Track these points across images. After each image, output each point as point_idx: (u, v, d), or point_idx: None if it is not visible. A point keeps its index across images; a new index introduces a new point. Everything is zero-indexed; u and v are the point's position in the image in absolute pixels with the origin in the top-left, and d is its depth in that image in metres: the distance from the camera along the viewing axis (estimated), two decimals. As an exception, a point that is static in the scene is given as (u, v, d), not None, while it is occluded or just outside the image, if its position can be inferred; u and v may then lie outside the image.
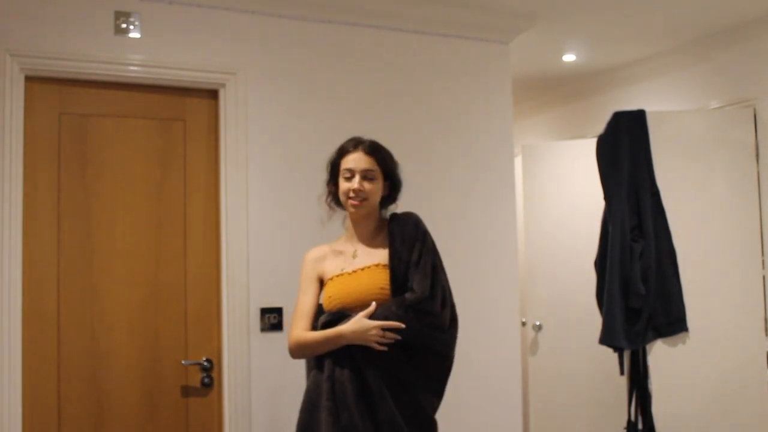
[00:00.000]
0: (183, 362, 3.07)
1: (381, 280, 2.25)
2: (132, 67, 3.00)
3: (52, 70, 2.89)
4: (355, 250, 2.35)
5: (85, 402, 2.91)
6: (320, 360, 2.22)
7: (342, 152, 2.35)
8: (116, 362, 2.97)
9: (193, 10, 3.10)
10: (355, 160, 2.30)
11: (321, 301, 2.35)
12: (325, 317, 2.25)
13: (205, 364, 3.08)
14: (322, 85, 3.33)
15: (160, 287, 3.06)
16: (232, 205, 3.11)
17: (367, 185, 2.29)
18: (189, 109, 3.15)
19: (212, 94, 3.17)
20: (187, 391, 3.07)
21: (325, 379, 2.15)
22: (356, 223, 2.37)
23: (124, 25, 2.99)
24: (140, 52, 3.01)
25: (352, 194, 2.29)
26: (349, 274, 2.29)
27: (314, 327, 2.28)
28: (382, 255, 2.31)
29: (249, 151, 3.15)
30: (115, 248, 2.99)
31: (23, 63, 2.82)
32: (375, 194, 2.32)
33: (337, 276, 2.31)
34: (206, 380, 3.07)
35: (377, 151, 2.34)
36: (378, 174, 2.32)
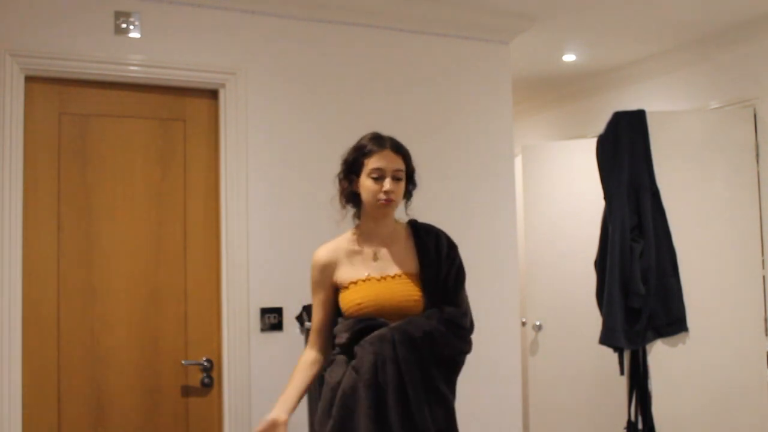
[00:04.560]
0: (183, 362, 3.07)
1: (414, 291, 2.22)
2: (132, 67, 3.00)
3: (52, 70, 2.89)
4: (375, 252, 2.28)
5: (85, 402, 2.91)
6: (356, 358, 2.15)
7: (366, 151, 2.23)
8: (116, 362, 2.97)
9: (193, 10, 3.10)
10: (386, 160, 2.21)
11: (342, 306, 2.26)
12: (356, 324, 2.18)
13: (205, 364, 3.08)
14: (322, 84, 3.33)
15: (160, 287, 3.06)
16: (232, 205, 3.11)
17: (396, 186, 2.22)
18: (189, 109, 3.15)
19: (212, 94, 3.17)
20: (187, 391, 3.07)
21: (365, 386, 2.08)
22: (378, 222, 2.29)
23: (124, 25, 2.99)
24: (140, 52, 3.01)
25: (383, 195, 2.20)
26: (378, 280, 2.23)
27: (347, 331, 2.22)
28: (409, 263, 2.26)
29: (249, 151, 3.15)
30: (115, 248, 2.99)
31: (23, 63, 2.82)
32: (401, 194, 2.27)
33: (363, 281, 2.24)
34: (206, 380, 3.07)
35: (403, 150, 2.28)
36: (404, 174, 2.26)
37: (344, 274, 2.27)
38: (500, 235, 3.65)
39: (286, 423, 2.19)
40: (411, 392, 2.07)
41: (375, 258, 2.28)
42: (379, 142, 2.25)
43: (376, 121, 3.40)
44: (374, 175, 2.21)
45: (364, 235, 2.31)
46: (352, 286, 2.25)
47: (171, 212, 3.09)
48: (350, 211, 2.35)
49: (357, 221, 2.36)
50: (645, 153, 3.63)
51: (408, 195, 2.35)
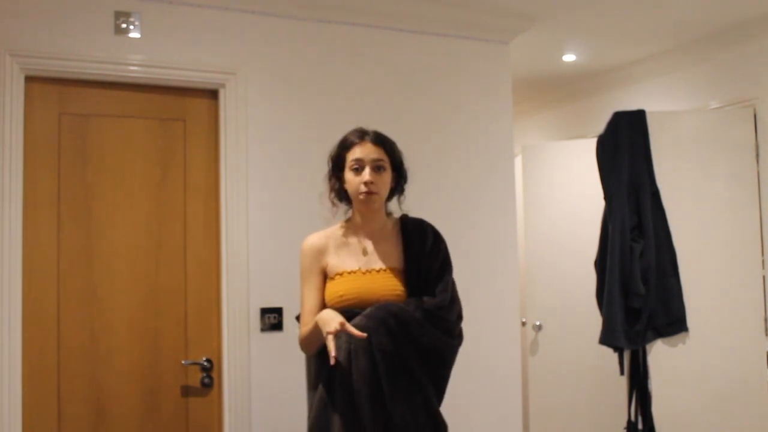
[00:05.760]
0: (183, 362, 3.07)
1: (397, 286, 2.22)
2: (132, 67, 3.00)
3: (52, 70, 2.89)
4: (365, 247, 2.29)
5: (85, 402, 2.91)
6: (329, 358, 2.13)
7: (347, 144, 2.26)
8: (116, 362, 2.97)
9: (193, 10, 3.10)
10: (364, 151, 2.22)
11: (326, 296, 2.26)
12: None
13: (205, 364, 3.08)
14: (322, 85, 3.33)
15: (160, 287, 3.06)
16: (232, 205, 3.11)
17: (377, 176, 2.21)
18: (189, 109, 3.15)
19: (212, 94, 3.17)
20: (187, 391, 3.07)
21: (338, 378, 2.08)
22: (365, 216, 2.29)
23: (124, 25, 2.99)
24: (140, 52, 3.01)
25: (363, 187, 2.20)
26: (363, 273, 2.24)
27: None
28: (395, 258, 2.26)
29: (249, 151, 3.15)
30: (115, 248, 2.99)
31: (23, 63, 2.82)
32: (385, 186, 2.26)
33: (349, 273, 2.24)
34: (206, 380, 3.07)
35: (384, 141, 2.27)
36: (387, 164, 2.24)
37: (332, 263, 2.28)
38: (500, 235, 3.65)
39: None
40: (384, 382, 2.06)
41: (364, 252, 2.28)
42: (359, 134, 2.27)
43: (376, 121, 3.39)
44: (354, 167, 2.23)
45: (353, 229, 2.33)
46: (337, 277, 2.25)
47: (171, 212, 3.09)
48: (341, 209, 2.36)
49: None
50: (645, 153, 3.63)
51: (400, 189, 2.35)
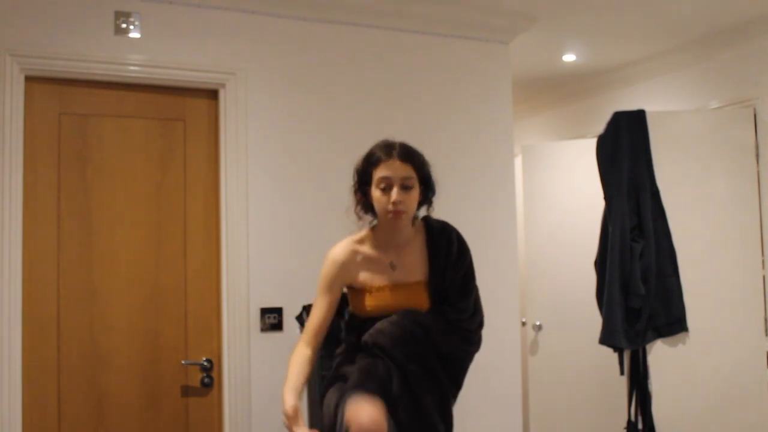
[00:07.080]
0: (183, 362, 3.07)
1: (425, 301, 2.22)
2: (132, 67, 3.00)
3: (52, 70, 2.89)
4: (392, 261, 2.25)
5: (85, 402, 2.91)
6: (355, 357, 2.16)
7: (374, 160, 2.19)
8: (116, 362, 2.97)
9: (193, 10, 3.10)
10: (391, 169, 2.15)
11: (356, 309, 2.27)
12: (363, 325, 2.22)
13: (205, 364, 3.08)
14: (322, 85, 3.33)
15: (160, 287, 3.06)
16: (232, 205, 3.11)
17: (405, 195, 2.15)
18: (189, 109, 3.15)
19: (212, 94, 3.17)
20: (187, 391, 3.07)
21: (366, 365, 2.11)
22: (392, 231, 2.25)
23: (124, 25, 2.99)
24: (140, 52, 3.01)
25: (390, 207, 2.14)
26: (391, 289, 2.22)
27: (354, 330, 2.24)
28: (421, 269, 2.25)
29: (249, 151, 3.15)
30: (115, 248, 2.99)
31: (23, 63, 2.82)
32: (413, 204, 2.20)
33: (378, 289, 2.22)
34: (206, 380, 3.07)
35: (413, 156, 2.20)
36: (415, 182, 2.19)
37: (361, 278, 2.25)
38: (500, 235, 3.65)
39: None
40: (413, 382, 2.08)
41: (392, 266, 2.25)
42: (386, 150, 2.19)
43: (375, 121, 3.41)
44: (381, 185, 2.17)
45: (380, 242, 2.27)
46: (366, 293, 2.23)
47: (171, 212, 3.09)
48: (365, 220, 2.32)
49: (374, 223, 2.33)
50: (645, 153, 3.63)
51: (428, 202, 2.32)
